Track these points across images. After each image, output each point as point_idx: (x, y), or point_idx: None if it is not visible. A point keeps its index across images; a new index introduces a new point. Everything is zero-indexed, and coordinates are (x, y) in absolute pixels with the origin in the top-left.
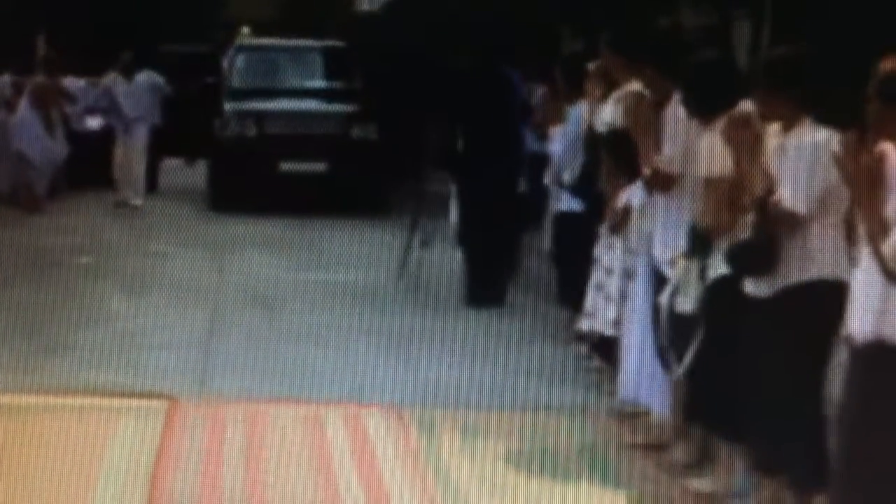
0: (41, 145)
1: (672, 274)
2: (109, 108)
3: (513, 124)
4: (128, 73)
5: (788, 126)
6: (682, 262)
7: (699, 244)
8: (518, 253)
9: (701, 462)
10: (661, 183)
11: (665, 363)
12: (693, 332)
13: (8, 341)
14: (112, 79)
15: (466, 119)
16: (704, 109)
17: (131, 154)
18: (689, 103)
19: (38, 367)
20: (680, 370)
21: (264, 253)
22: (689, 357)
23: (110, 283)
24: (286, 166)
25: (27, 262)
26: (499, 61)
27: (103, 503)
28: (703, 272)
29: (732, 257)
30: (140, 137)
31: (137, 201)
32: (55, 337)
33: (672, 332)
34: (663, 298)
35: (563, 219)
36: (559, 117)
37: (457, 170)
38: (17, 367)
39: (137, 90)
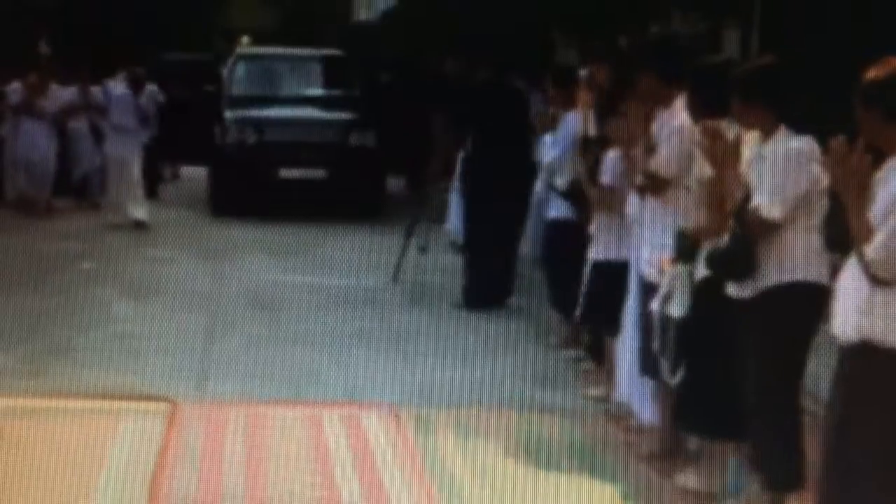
0: (26, 147)
1: (662, 280)
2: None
3: (522, 132)
4: (138, 86)
5: (766, 134)
6: (670, 268)
7: (686, 249)
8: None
9: (691, 460)
10: (655, 186)
11: (648, 369)
12: (685, 338)
13: (11, 345)
14: (120, 88)
15: (477, 127)
16: (708, 113)
17: (134, 167)
18: (692, 107)
19: (40, 370)
20: (675, 380)
21: (264, 258)
22: (683, 369)
23: (112, 288)
24: (285, 173)
25: (30, 266)
26: (509, 71)
27: None
28: (691, 276)
29: (711, 262)
30: (140, 148)
31: (142, 215)
32: (57, 341)
33: (664, 339)
34: (655, 305)
35: (555, 225)
36: (551, 125)
37: (465, 176)
38: (19, 371)
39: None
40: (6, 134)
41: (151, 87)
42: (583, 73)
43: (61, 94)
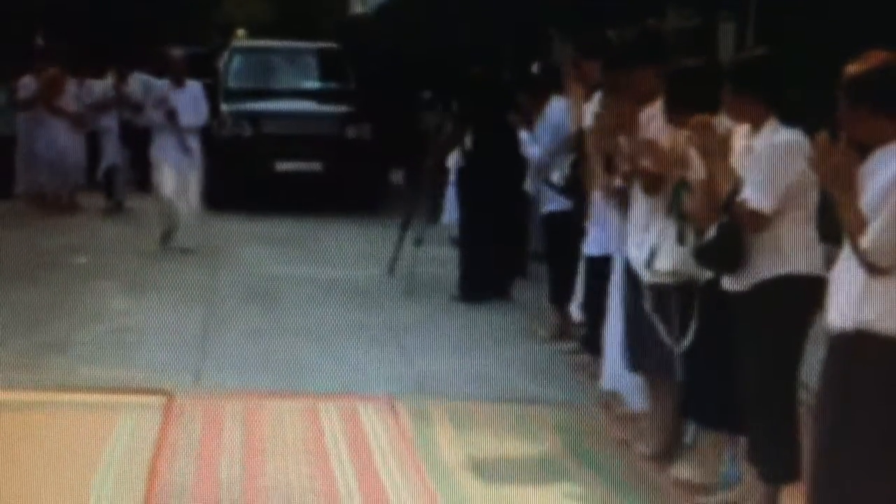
0: (47, 144)
1: (648, 238)
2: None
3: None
4: (179, 79)
5: (756, 127)
6: (660, 223)
7: (681, 207)
8: (525, 251)
9: (686, 452)
10: (651, 186)
11: (634, 364)
12: (672, 298)
13: (8, 339)
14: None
15: (474, 121)
16: (685, 114)
17: (190, 180)
18: (669, 108)
19: (36, 364)
20: (683, 344)
21: (260, 250)
22: (691, 329)
23: (108, 281)
24: (282, 166)
25: (27, 260)
26: (504, 66)
27: (103, 496)
28: (681, 234)
29: (700, 256)
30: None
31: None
32: (55, 334)
33: (654, 299)
34: (640, 265)
35: (553, 219)
36: (528, 128)
37: (462, 169)
38: (16, 365)
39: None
40: (19, 130)
41: (151, 81)
42: (534, 67)
43: (93, 90)
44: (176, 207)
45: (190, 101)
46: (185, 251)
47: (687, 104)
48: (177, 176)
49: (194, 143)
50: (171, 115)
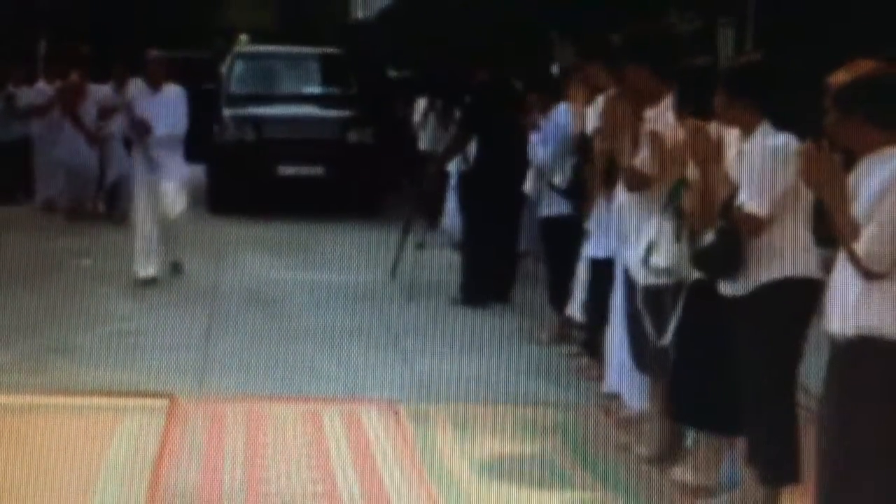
0: (70, 150)
1: (646, 236)
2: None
3: (520, 131)
4: (155, 82)
5: (748, 131)
6: (657, 220)
7: (678, 205)
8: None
9: (686, 454)
10: (634, 182)
11: (642, 366)
12: (666, 297)
13: (11, 342)
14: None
15: (479, 127)
16: (695, 114)
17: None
18: (679, 108)
19: (40, 367)
20: (665, 339)
21: (262, 255)
22: (672, 325)
23: (112, 285)
24: (284, 170)
25: (30, 263)
26: (508, 70)
27: (106, 499)
28: (678, 231)
29: (697, 261)
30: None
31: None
32: (58, 338)
33: (644, 298)
34: (634, 264)
35: (552, 223)
36: (533, 128)
37: (465, 173)
38: (19, 368)
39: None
40: (35, 136)
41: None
42: (554, 69)
43: (96, 95)
44: (150, 233)
45: (165, 108)
46: (170, 275)
47: (698, 102)
48: (148, 196)
49: (168, 155)
50: (140, 125)
